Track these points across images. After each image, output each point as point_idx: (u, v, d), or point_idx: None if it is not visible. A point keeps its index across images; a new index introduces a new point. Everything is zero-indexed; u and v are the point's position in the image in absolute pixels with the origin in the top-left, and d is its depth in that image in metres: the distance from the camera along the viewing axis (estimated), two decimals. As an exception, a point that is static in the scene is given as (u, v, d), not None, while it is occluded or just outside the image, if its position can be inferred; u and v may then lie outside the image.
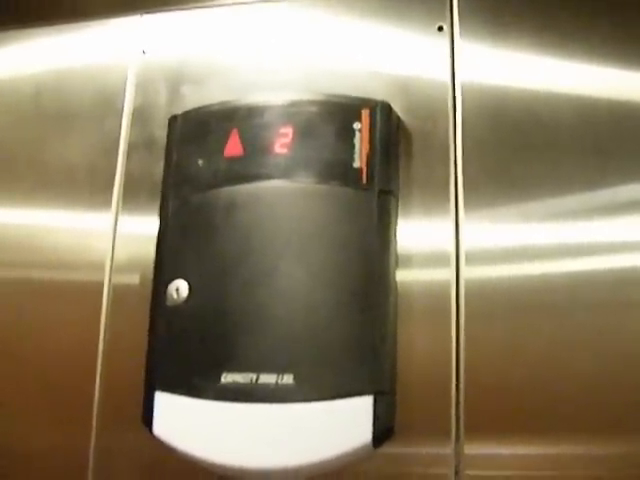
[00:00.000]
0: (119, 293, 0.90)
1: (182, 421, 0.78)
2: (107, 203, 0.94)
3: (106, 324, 0.89)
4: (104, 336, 0.89)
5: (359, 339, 0.76)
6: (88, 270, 0.92)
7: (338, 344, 0.76)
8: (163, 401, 0.79)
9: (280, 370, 0.75)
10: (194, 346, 0.79)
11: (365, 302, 0.77)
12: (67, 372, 0.90)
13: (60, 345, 0.90)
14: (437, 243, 0.81)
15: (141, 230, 0.91)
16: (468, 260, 0.80)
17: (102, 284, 0.91)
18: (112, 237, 0.92)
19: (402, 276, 0.81)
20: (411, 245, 0.82)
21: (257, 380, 0.76)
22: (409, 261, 0.81)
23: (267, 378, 0.76)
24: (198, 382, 0.77)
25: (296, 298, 0.78)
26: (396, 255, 0.81)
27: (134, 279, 0.90)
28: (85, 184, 0.96)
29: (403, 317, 0.79)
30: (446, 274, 0.80)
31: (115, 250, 0.92)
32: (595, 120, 0.81)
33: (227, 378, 0.76)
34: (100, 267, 0.91)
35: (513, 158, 0.82)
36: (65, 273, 0.94)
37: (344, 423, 0.74)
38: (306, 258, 0.79)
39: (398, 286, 0.80)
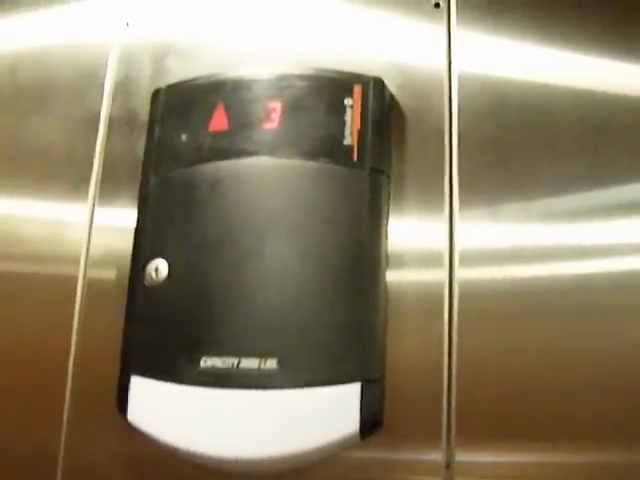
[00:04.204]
0: (94, 289, 0.86)
1: (158, 407, 0.74)
2: (84, 192, 0.89)
3: (79, 321, 0.84)
4: (77, 333, 0.84)
5: (347, 323, 0.72)
6: (61, 263, 0.87)
7: (325, 328, 0.72)
8: (139, 385, 0.75)
9: (263, 354, 0.71)
10: (172, 328, 0.75)
11: (354, 285, 0.73)
12: (38, 367, 0.85)
13: (30, 340, 0.85)
14: (430, 242, 0.78)
15: (119, 222, 0.86)
16: (462, 261, 0.76)
17: (76, 279, 0.86)
18: (88, 229, 0.88)
19: (393, 276, 0.77)
20: (403, 244, 0.78)
21: (238, 365, 0.72)
22: (401, 260, 0.78)
23: (249, 363, 0.72)
24: (176, 366, 0.73)
25: (281, 279, 0.74)
26: (386, 235, 0.77)
27: (110, 274, 0.85)
28: (61, 171, 0.91)
29: (394, 317, 0.75)
30: (439, 275, 0.76)
31: (91, 243, 0.87)
32: (602, 114, 0.77)
33: (207, 362, 0.72)
34: (74, 261, 0.87)
35: (512, 151, 0.78)
36: (37, 266, 0.89)
37: (330, 411, 0.70)
38: (293, 238, 0.75)
39: (389, 286, 0.76)
